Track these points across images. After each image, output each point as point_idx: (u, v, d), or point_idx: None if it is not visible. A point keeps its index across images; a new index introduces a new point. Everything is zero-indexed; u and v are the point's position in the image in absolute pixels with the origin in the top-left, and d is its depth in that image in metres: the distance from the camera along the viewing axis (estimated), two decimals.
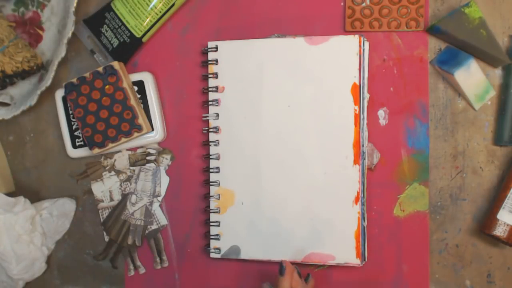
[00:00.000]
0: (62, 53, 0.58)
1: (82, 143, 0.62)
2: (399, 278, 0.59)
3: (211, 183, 0.60)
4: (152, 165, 0.63)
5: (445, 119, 0.58)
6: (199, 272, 0.63)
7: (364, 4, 0.58)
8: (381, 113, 0.59)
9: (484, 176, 0.58)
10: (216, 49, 0.59)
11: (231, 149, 0.59)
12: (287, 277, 0.54)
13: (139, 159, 0.63)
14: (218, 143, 0.59)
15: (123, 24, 0.59)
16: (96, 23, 0.60)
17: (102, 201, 0.64)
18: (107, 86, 0.58)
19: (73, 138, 0.62)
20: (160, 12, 0.59)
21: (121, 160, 0.64)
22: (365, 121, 0.58)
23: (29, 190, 0.66)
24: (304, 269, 0.61)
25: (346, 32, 0.59)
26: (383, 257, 0.59)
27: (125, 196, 0.64)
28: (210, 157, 0.60)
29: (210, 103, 0.60)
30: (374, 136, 0.59)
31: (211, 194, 0.60)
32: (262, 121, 0.58)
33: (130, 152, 0.63)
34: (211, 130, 0.60)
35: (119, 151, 0.63)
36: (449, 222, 0.59)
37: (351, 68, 0.56)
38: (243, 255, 0.59)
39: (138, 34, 0.59)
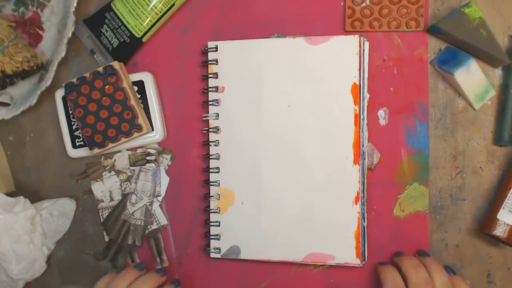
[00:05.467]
0: (62, 53, 0.58)
1: (82, 143, 0.62)
2: None
3: (211, 183, 0.60)
4: (152, 165, 0.63)
5: (445, 119, 0.58)
6: (199, 272, 0.63)
7: (364, 4, 0.58)
8: (381, 113, 0.59)
9: (484, 176, 0.58)
10: (216, 49, 0.59)
11: (231, 149, 0.59)
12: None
13: (139, 159, 0.63)
14: (218, 143, 0.60)
15: (123, 24, 0.59)
16: (96, 23, 0.60)
17: (102, 201, 0.64)
18: (107, 86, 0.58)
19: (73, 138, 0.62)
20: (160, 12, 0.59)
21: (121, 160, 0.64)
22: (365, 121, 0.58)
23: (29, 190, 0.66)
24: (304, 269, 0.61)
25: (346, 32, 0.59)
26: (383, 257, 0.59)
27: (125, 196, 0.64)
28: (210, 157, 0.60)
29: (210, 103, 0.60)
30: (374, 136, 0.59)
31: (211, 194, 0.60)
32: (262, 121, 0.58)
33: (130, 152, 0.63)
34: (211, 130, 0.60)
35: (119, 151, 0.64)
36: (449, 222, 0.59)
37: (351, 68, 0.56)
38: (243, 255, 0.59)
39: (138, 34, 0.59)
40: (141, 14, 0.58)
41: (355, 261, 0.56)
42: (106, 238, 0.65)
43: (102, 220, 0.65)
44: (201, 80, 0.62)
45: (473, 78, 0.56)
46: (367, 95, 0.58)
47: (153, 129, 0.61)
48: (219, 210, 0.60)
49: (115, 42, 0.60)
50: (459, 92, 0.58)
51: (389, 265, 0.56)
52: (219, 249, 0.60)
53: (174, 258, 0.63)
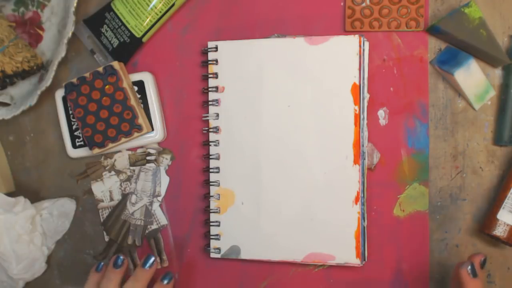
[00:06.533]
0: (62, 53, 0.58)
1: (82, 143, 0.62)
2: (399, 278, 0.59)
3: (211, 183, 0.60)
4: (152, 165, 0.63)
5: (445, 119, 0.58)
6: (199, 272, 0.63)
7: (364, 4, 0.58)
8: (381, 113, 0.59)
9: (484, 176, 0.58)
10: (216, 49, 0.59)
11: (231, 149, 0.59)
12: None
13: (139, 159, 0.63)
14: (218, 143, 0.60)
15: (123, 24, 0.59)
16: (96, 23, 0.60)
17: (102, 201, 0.64)
18: (107, 86, 0.58)
19: (73, 138, 0.62)
20: (160, 12, 0.59)
21: (121, 160, 0.64)
22: (365, 121, 0.58)
23: (29, 190, 0.66)
24: (304, 269, 0.61)
25: (346, 32, 0.59)
26: (383, 257, 0.59)
27: (125, 196, 0.64)
28: (210, 157, 0.60)
29: (210, 103, 0.60)
30: (374, 136, 0.59)
31: (211, 194, 0.60)
32: (262, 121, 0.58)
33: (130, 152, 0.63)
34: (211, 130, 0.60)
35: (119, 151, 0.64)
36: (449, 222, 0.59)
37: (351, 68, 0.56)
38: (243, 255, 0.59)
39: (138, 34, 0.59)
40: (141, 14, 0.58)
41: (355, 261, 0.56)
42: (106, 238, 0.65)
43: (102, 220, 0.65)
44: (201, 80, 0.62)
45: (473, 78, 0.56)
46: (367, 95, 0.58)
47: (153, 129, 0.61)
48: (219, 210, 0.60)
49: (115, 42, 0.60)
50: (459, 92, 0.58)
51: (478, 280, 0.50)
52: (219, 249, 0.60)
53: (174, 258, 0.63)
